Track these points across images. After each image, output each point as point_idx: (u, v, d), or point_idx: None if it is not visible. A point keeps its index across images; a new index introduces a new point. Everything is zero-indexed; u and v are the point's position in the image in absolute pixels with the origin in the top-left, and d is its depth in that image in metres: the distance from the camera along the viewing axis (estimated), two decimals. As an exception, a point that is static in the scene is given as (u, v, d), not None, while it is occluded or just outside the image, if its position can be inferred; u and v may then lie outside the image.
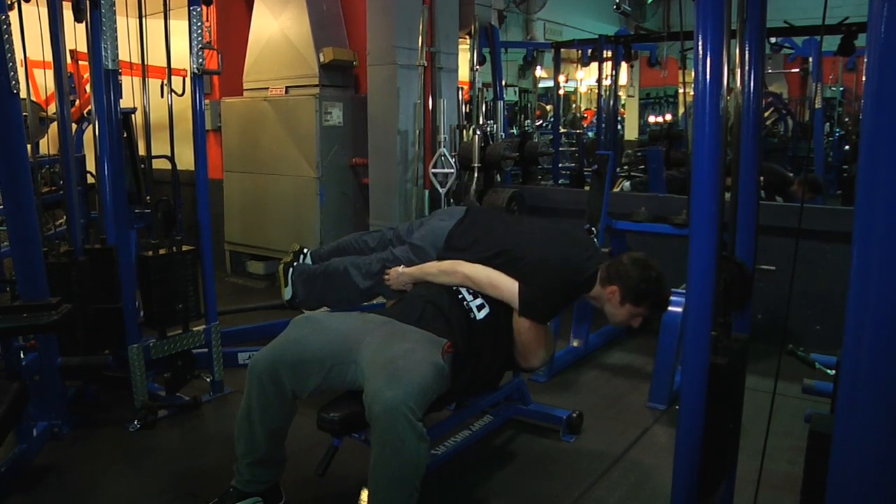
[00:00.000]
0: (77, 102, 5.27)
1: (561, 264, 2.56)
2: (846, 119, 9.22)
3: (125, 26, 3.22)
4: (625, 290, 2.53)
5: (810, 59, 7.96)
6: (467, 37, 5.76)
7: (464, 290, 2.57)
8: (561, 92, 9.38)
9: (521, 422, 3.15)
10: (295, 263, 3.02)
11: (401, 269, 2.74)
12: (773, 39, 6.89)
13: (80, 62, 5.09)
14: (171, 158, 3.55)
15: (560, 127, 9.18)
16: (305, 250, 3.09)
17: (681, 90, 9.21)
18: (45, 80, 5.33)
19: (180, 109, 3.44)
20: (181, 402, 3.31)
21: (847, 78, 9.37)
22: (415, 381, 2.06)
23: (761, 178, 1.95)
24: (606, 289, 2.56)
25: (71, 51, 4.52)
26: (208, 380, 3.46)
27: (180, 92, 3.43)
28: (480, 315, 2.50)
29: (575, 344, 4.06)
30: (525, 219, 3.59)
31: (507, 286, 2.51)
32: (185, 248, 3.27)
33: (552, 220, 4.07)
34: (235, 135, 5.84)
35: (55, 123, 3.53)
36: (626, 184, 6.34)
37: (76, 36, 3.60)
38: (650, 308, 2.57)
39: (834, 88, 9.41)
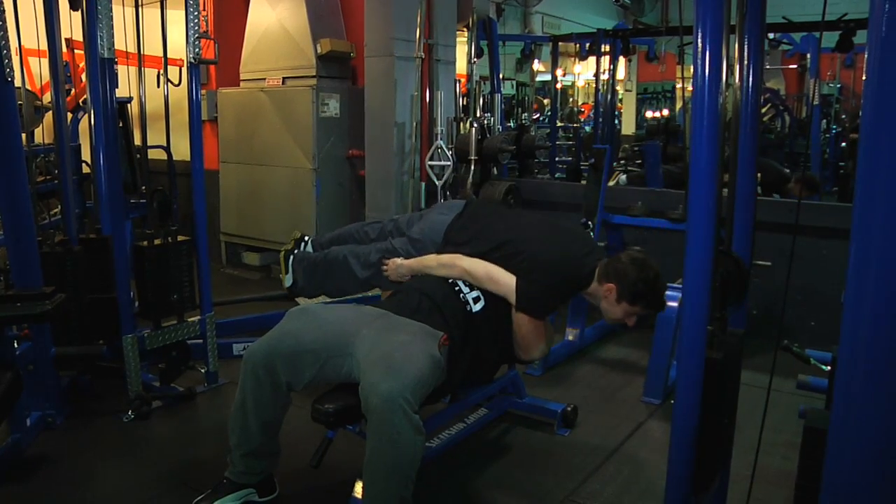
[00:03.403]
0: (72, 91, 5.24)
1: (559, 260, 2.55)
2: (843, 116, 9.23)
3: (121, 15, 3.21)
4: (621, 289, 2.50)
5: (808, 56, 7.96)
6: (465, 29, 5.75)
7: (460, 283, 2.57)
8: (558, 86, 9.37)
9: (515, 415, 3.16)
10: (295, 251, 3.01)
11: (399, 260, 2.75)
12: (771, 35, 6.88)
13: (75, 51, 5.06)
14: (167, 149, 3.55)
15: (557, 120, 9.17)
16: (307, 238, 3.08)
17: (679, 85, 9.22)
18: (40, 69, 5.29)
19: (176, 99, 3.43)
20: (175, 392, 3.30)
21: (845, 75, 9.37)
22: (411, 374, 2.06)
23: (759, 175, 1.95)
24: (603, 286, 2.54)
25: (66, 39, 4.49)
26: (203, 371, 3.45)
27: (176, 82, 3.42)
28: (476, 308, 2.51)
29: (570, 338, 4.06)
30: (525, 213, 3.58)
31: (505, 281, 2.52)
32: (180, 238, 3.27)
33: (550, 214, 4.07)
34: (232, 125, 5.81)
35: (50, 112, 3.52)
36: (623, 177, 6.34)
37: (72, 24, 3.58)
38: (645, 308, 2.55)
39: (831, 85, 9.41)
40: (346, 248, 2.94)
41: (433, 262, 2.67)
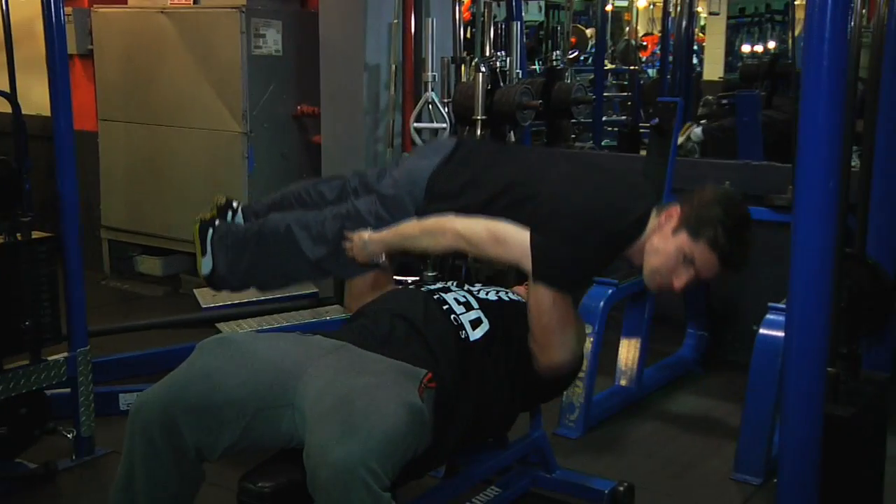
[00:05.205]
0: None
1: (593, 202, 2.53)
2: None
3: None
4: (688, 212, 2.47)
5: None
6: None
7: (450, 300, 2.58)
8: (608, 7, 9.38)
9: (542, 497, 3.15)
10: (216, 222, 2.96)
11: (367, 234, 2.71)
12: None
13: None
14: (12, 97, 3.51)
15: (605, 61, 9.18)
16: (235, 204, 3.03)
17: (797, 1, 9.19)
18: None
19: (24, 21, 3.40)
20: (25, 471, 3.29)
21: None
22: (378, 431, 2.05)
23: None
24: (663, 214, 2.52)
25: None
26: (70, 436, 3.43)
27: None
28: (476, 334, 2.51)
29: (622, 383, 4.07)
30: (543, 150, 3.57)
31: (516, 240, 2.50)
32: (36, 234, 3.25)
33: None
34: (117, 65, 5.84)
35: None
36: (697, 130, 6.32)
37: None
38: (709, 248, 2.44)
39: None
40: (292, 216, 2.90)
41: (415, 230, 2.67)
